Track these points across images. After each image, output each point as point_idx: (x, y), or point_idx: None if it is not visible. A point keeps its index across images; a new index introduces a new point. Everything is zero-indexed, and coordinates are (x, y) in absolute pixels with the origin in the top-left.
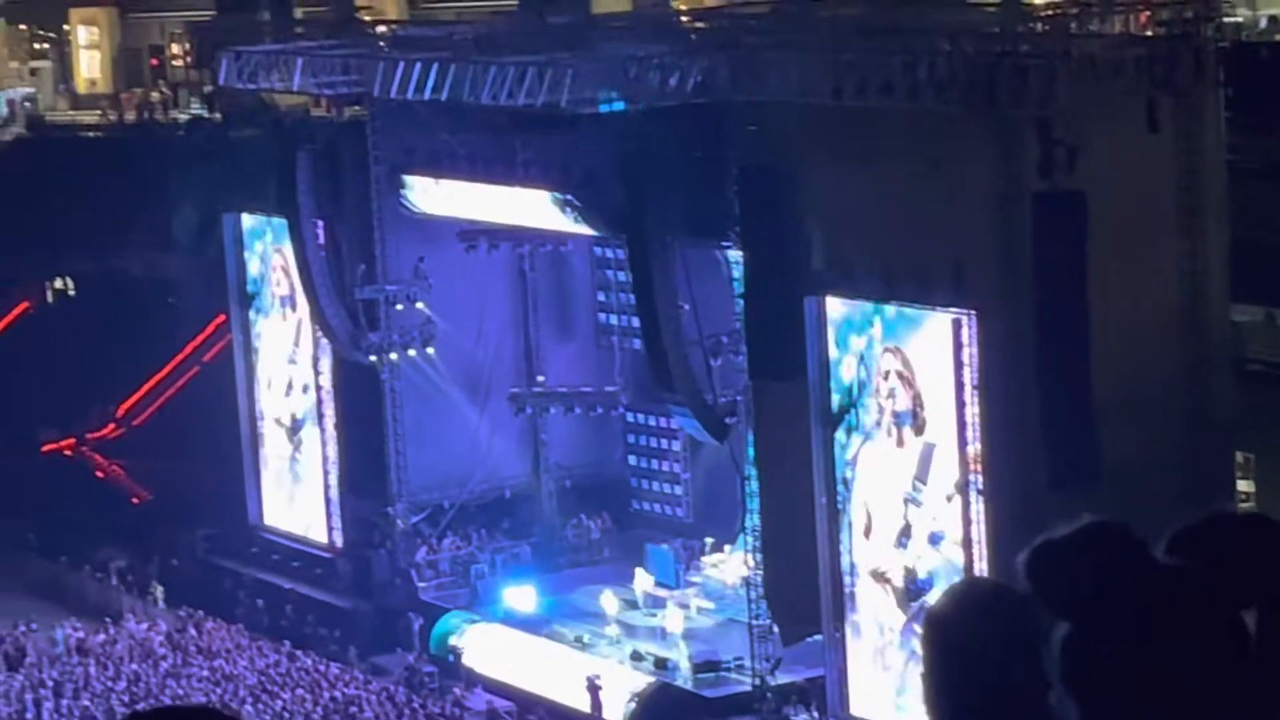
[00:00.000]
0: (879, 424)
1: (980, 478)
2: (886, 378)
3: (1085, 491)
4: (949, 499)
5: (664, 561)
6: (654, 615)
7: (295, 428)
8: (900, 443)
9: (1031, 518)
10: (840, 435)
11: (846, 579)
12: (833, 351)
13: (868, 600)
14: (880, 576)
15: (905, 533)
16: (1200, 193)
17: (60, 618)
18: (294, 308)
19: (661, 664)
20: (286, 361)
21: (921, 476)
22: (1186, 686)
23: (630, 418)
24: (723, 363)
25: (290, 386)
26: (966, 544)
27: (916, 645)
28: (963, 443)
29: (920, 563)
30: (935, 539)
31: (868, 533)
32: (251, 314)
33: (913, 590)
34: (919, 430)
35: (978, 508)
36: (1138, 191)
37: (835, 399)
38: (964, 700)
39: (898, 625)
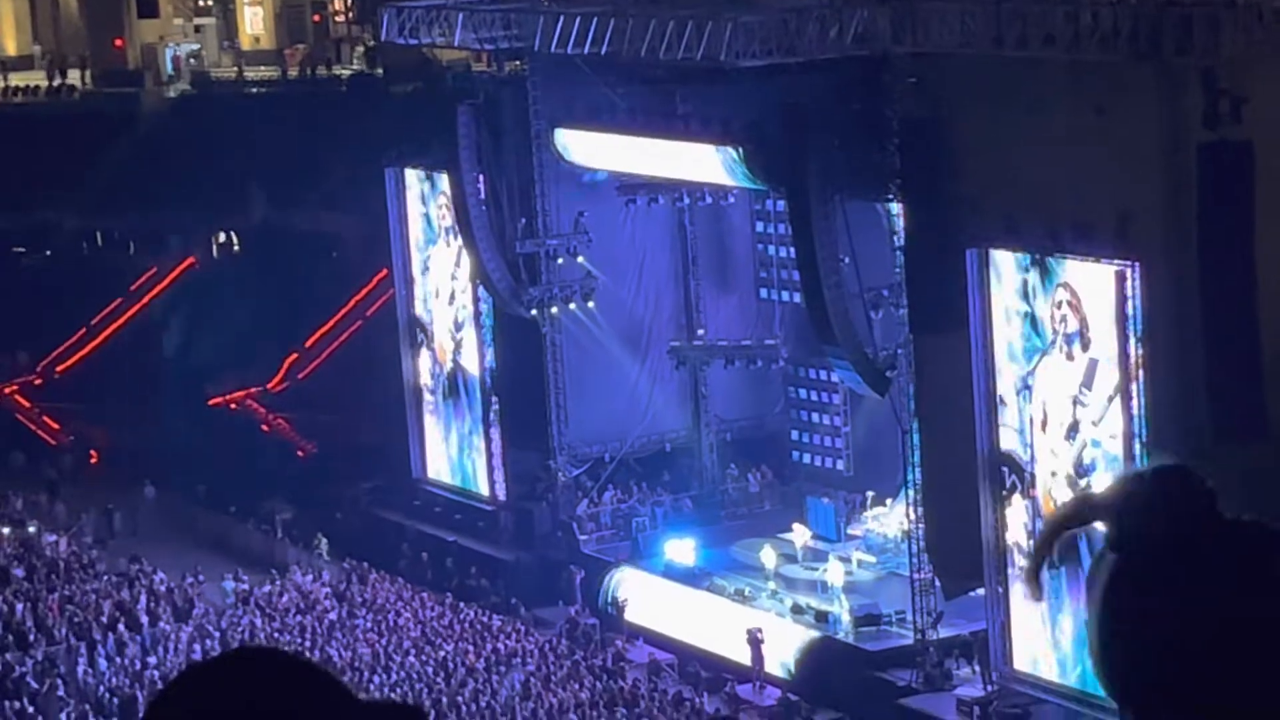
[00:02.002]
0: (1053, 343)
1: (1144, 432)
2: (1059, 306)
3: (1250, 445)
4: (1112, 437)
5: (824, 515)
6: (814, 569)
7: (456, 379)
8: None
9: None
10: (1012, 365)
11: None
12: (997, 292)
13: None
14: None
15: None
16: None
17: (227, 570)
18: (457, 264)
19: (822, 617)
20: (450, 317)
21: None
22: (1212, 639)
23: (791, 371)
24: (883, 316)
25: (455, 340)
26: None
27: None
28: (1127, 396)
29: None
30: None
31: (1044, 426)
32: (416, 265)
33: (1079, 472)
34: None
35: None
36: None
37: (1008, 337)
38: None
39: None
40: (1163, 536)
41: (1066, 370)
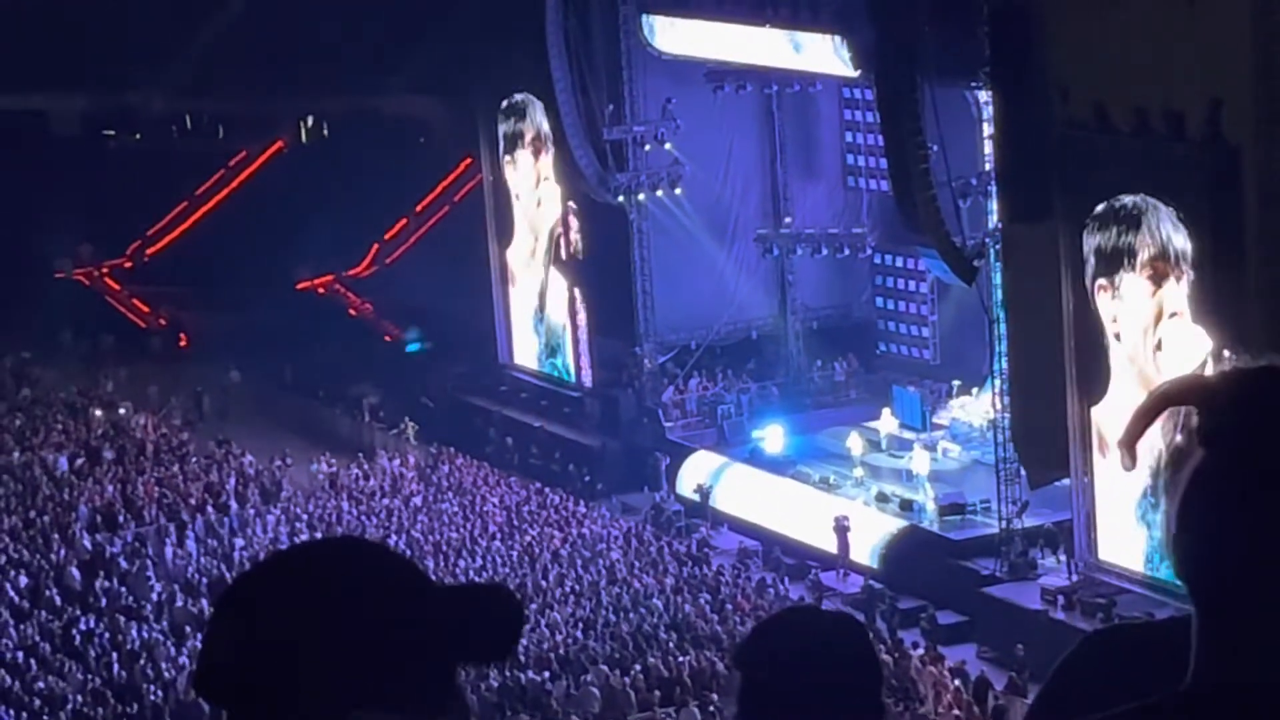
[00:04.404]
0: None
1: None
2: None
3: None
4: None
5: (910, 403)
6: (899, 457)
7: (546, 264)
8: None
9: None
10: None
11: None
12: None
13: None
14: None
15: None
16: None
17: (315, 453)
18: (546, 152)
19: (907, 506)
20: (539, 198)
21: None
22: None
23: (877, 259)
24: (971, 204)
25: (540, 227)
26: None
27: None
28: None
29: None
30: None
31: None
32: (504, 156)
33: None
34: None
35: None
36: None
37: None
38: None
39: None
40: (1257, 436)
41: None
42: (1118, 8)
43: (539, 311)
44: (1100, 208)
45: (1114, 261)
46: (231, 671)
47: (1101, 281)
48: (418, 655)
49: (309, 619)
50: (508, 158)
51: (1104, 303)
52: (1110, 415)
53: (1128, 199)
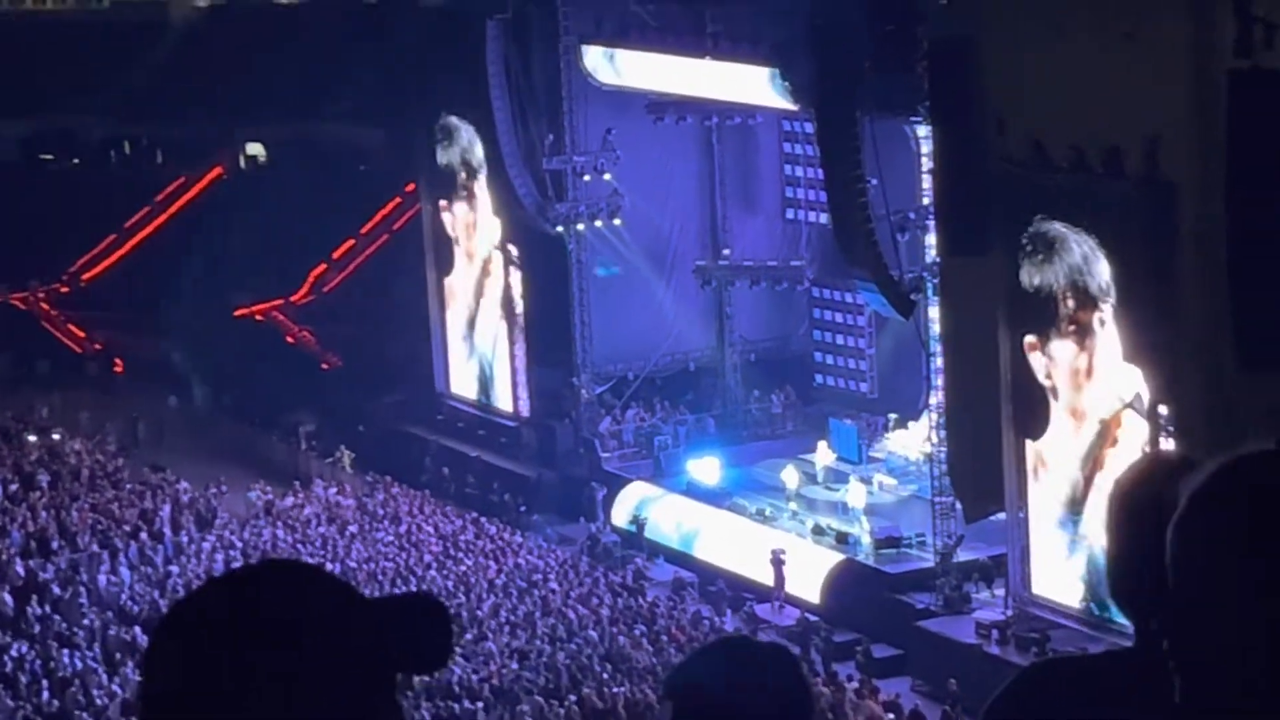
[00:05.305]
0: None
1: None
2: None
3: (1275, 373)
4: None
5: (847, 436)
6: (836, 490)
7: (477, 294)
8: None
9: (1219, 397)
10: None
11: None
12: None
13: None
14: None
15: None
16: None
17: (251, 481)
18: (479, 193)
19: (843, 539)
20: (476, 229)
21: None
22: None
23: (815, 292)
24: (909, 238)
25: (481, 255)
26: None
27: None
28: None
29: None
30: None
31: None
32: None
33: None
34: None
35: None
36: None
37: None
38: (1133, 558)
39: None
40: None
41: None
42: (1056, 45)
43: (470, 339)
44: (1025, 236)
45: (1041, 317)
46: (174, 698)
47: (1030, 339)
48: (357, 668)
49: (250, 642)
50: (443, 202)
51: (1035, 360)
52: (1050, 446)
53: (1051, 226)
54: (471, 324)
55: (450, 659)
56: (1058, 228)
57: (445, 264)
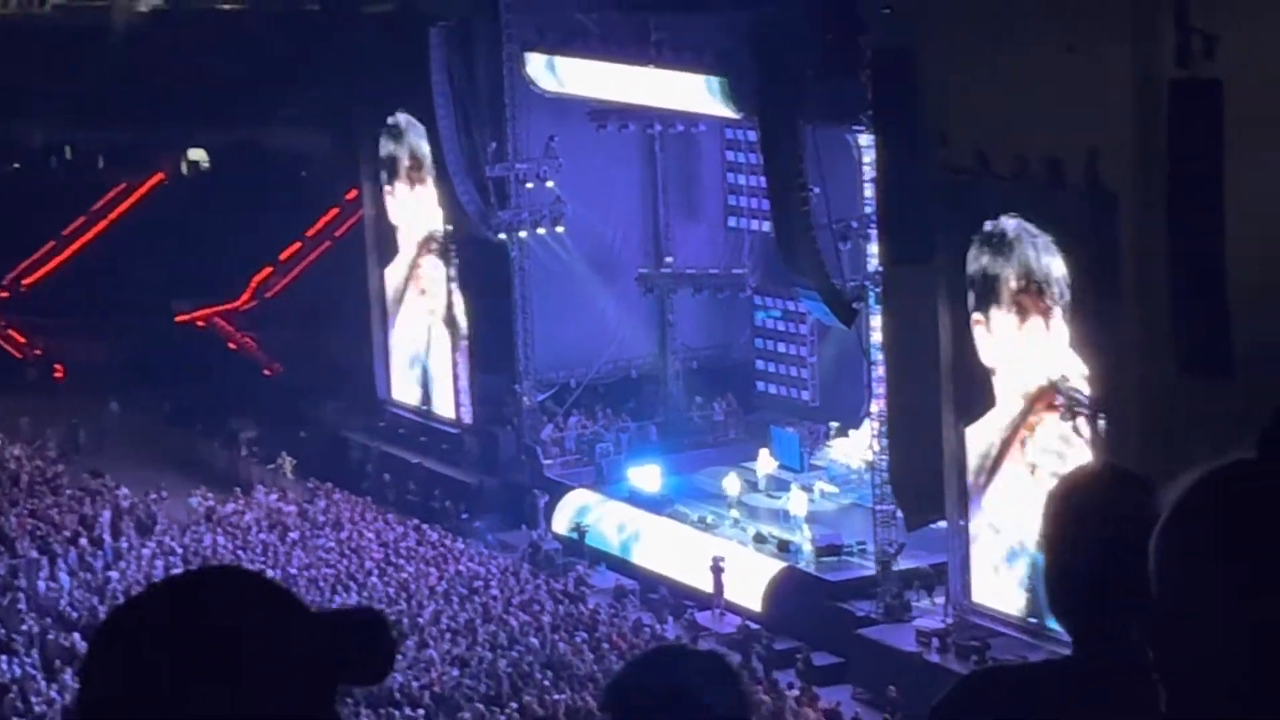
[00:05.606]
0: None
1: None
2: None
3: (1216, 380)
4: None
5: (788, 444)
6: (777, 498)
7: (423, 301)
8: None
9: (1161, 403)
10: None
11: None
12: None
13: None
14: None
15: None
16: None
17: (191, 487)
18: (424, 183)
19: (784, 547)
20: (418, 236)
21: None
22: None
23: (757, 300)
24: (852, 247)
25: (423, 262)
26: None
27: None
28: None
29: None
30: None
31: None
32: (384, 185)
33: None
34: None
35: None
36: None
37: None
38: (1074, 568)
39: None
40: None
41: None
42: (999, 54)
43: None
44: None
45: (986, 297)
46: (113, 704)
47: (976, 316)
48: (298, 675)
49: (190, 648)
50: (388, 187)
51: (979, 335)
52: (984, 435)
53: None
54: (415, 329)
55: (391, 671)
56: (1013, 224)
57: (387, 257)
